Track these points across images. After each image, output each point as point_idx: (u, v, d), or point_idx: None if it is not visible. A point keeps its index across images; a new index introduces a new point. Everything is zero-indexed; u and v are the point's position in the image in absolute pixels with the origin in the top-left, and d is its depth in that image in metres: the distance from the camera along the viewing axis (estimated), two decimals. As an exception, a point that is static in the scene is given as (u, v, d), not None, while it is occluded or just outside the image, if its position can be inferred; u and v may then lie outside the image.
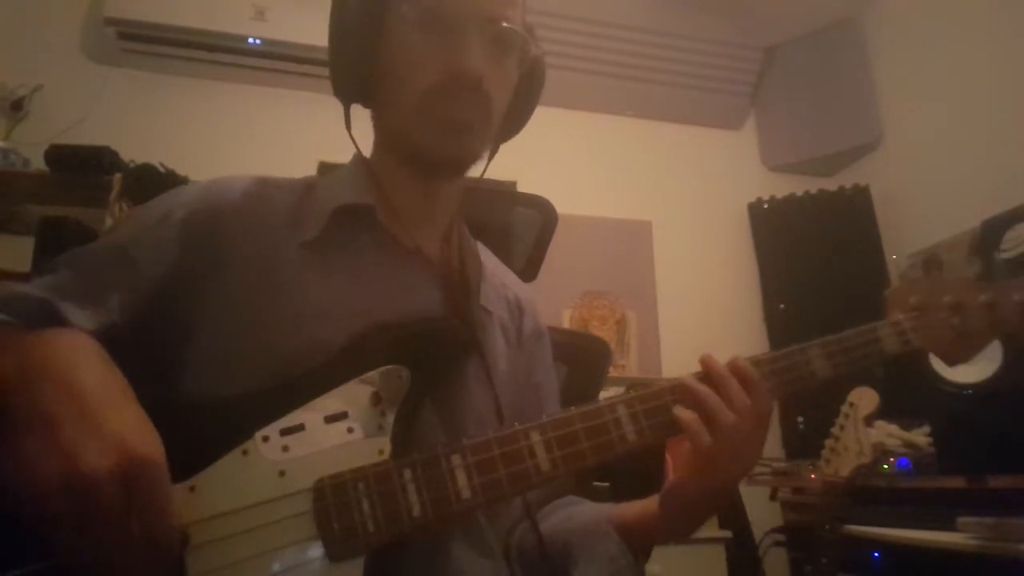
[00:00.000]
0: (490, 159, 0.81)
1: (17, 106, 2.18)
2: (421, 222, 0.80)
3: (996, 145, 2.34)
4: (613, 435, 0.65)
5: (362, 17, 0.74)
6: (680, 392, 0.68)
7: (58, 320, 0.64)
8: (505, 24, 0.74)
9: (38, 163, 2.09)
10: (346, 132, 0.79)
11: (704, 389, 0.67)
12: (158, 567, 0.49)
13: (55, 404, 0.48)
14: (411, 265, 0.77)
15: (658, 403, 0.67)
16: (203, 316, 0.68)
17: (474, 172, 0.81)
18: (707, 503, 0.71)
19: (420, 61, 0.72)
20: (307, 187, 0.79)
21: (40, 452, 0.45)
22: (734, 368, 0.68)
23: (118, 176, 2.04)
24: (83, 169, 2.05)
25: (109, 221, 1.98)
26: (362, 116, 0.81)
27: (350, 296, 0.72)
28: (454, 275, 0.78)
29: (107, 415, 0.48)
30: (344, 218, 0.75)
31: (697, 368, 0.69)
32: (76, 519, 0.45)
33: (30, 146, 2.13)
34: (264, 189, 0.77)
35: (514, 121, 0.83)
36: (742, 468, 0.68)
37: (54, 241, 1.93)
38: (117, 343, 0.58)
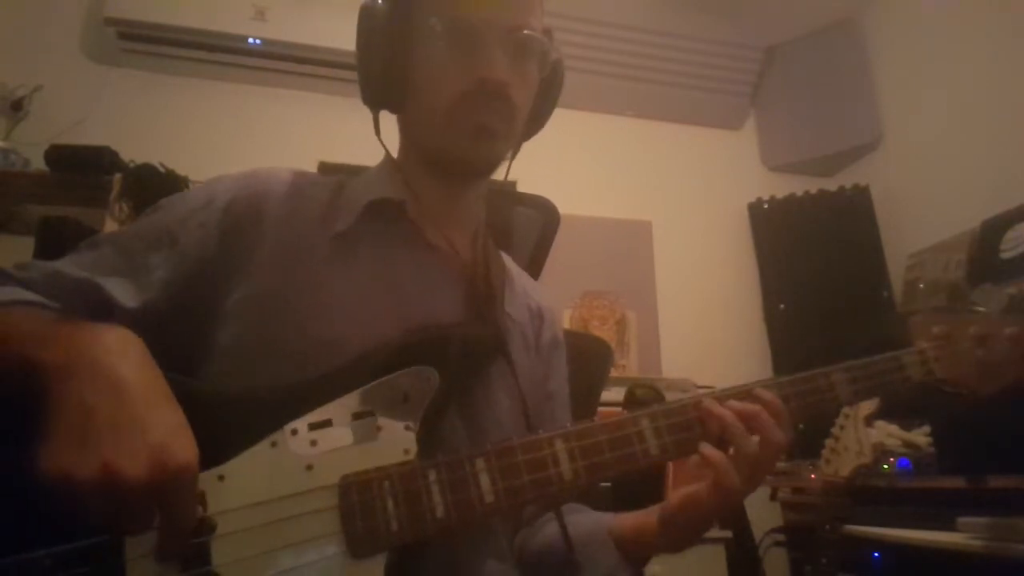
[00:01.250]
0: (511, 159, 0.83)
1: (17, 106, 2.17)
2: (449, 223, 0.81)
3: (996, 145, 2.34)
4: (636, 448, 0.65)
5: (389, 28, 0.75)
6: (702, 414, 0.67)
7: (99, 299, 0.65)
8: (527, 32, 0.75)
9: (38, 163, 2.08)
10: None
11: (728, 414, 0.66)
12: (173, 553, 0.52)
13: (99, 399, 0.49)
14: (441, 262, 0.79)
15: (682, 419, 0.67)
16: (236, 303, 0.70)
17: (496, 174, 0.83)
18: (711, 520, 0.70)
19: (447, 71, 0.74)
20: (339, 185, 0.81)
21: (79, 446, 0.46)
22: (762, 399, 0.68)
23: (118, 176, 2.04)
24: (83, 169, 2.05)
25: (109, 221, 1.98)
26: (387, 120, 0.83)
27: (379, 294, 0.73)
28: (480, 279, 0.79)
29: (149, 417, 0.49)
30: (376, 212, 0.77)
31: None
32: (106, 510, 0.46)
33: (30, 146, 2.12)
34: (302, 182, 0.79)
35: (535, 122, 0.84)
36: (752, 488, 0.67)
37: (54, 241, 1.93)
38: (155, 321, 0.60)
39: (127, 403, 0.49)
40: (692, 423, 0.67)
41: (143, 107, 2.51)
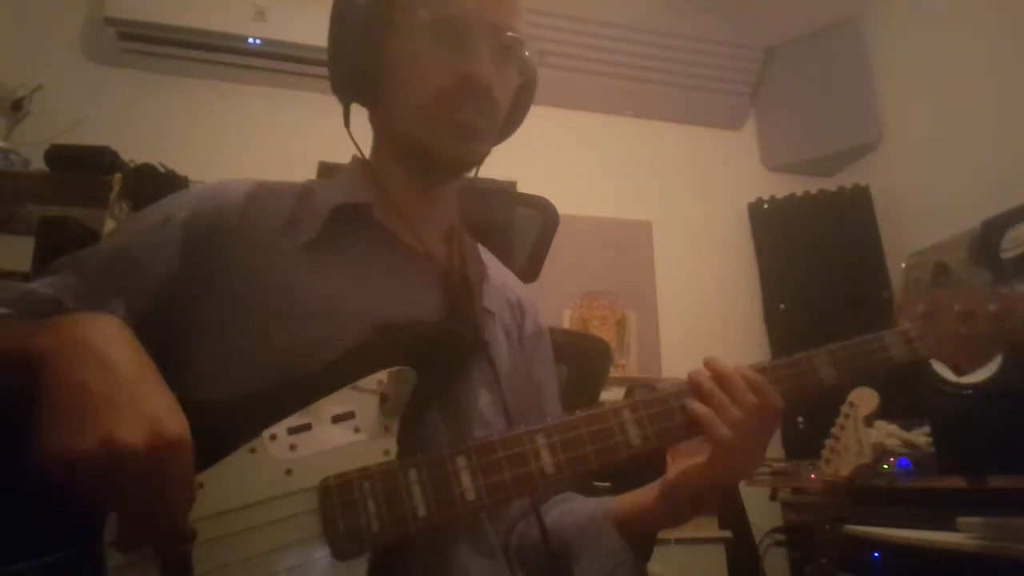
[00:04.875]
0: (478, 165, 0.82)
1: (17, 106, 2.17)
2: (422, 221, 0.80)
3: (996, 145, 2.34)
4: (618, 439, 0.66)
5: (369, 16, 0.74)
6: (691, 388, 0.69)
7: None
8: (511, 33, 0.75)
9: (38, 163, 2.09)
10: (345, 131, 0.79)
11: (711, 385, 0.68)
12: (170, 533, 0.52)
13: (93, 376, 0.49)
14: (413, 264, 0.77)
15: (662, 408, 0.68)
16: (207, 318, 0.69)
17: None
18: (712, 496, 0.71)
19: (431, 65, 0.73)
20: (306, 190, 0.79)
21: (77, 422, 0.47)
22: (737, 373, 0.69)
23: (118, 176, 2.04)
24: (83, 169, 2.05)
25: (109, 221, 1.98)
26: (360, 114, 0.81)
27: (353, 296, 0.72)
28: (456, 275, 0.78)
29: (142, 392, 0.50)
30: (343, 218, 0.75)
31: (698, 367, 0.70)
32: (105, 483, 0.47)
33: (30, 146, 2.12)
34: (263, 192, 0.77)
35: (509, 126, 0.84)
36: (751, 463, 0.69)
37: (54, 241, 1.93)
38: None
39: (121, 380, 0.50)
40: (673, 411, 0.68)
41: (143, 107, 2.51)
